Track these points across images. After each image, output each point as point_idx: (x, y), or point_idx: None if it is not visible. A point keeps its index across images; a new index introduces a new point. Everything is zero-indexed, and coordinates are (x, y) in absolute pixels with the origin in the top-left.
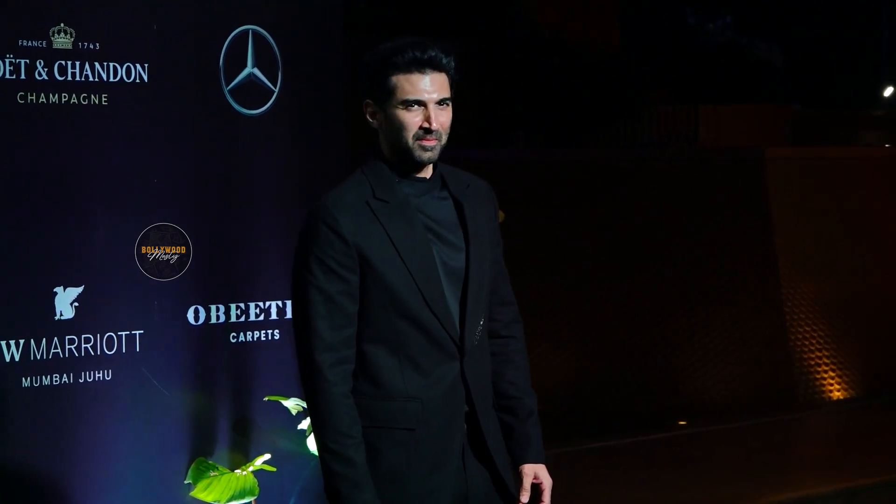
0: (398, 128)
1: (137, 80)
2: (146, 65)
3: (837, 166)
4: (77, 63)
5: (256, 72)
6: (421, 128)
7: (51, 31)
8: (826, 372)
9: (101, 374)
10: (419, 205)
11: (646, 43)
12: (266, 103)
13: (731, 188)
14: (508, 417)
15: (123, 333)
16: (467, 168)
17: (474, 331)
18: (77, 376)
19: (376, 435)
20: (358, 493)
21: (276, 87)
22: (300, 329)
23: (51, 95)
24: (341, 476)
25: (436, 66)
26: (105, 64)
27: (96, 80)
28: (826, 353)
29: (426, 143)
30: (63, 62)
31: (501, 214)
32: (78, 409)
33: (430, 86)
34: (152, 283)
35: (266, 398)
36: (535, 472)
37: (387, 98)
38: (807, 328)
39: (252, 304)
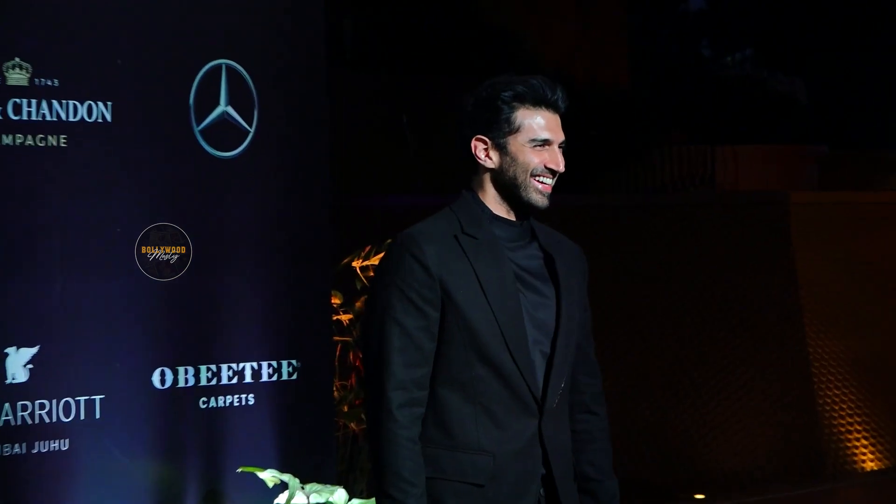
0: (520, 167)
1: (100, 120)
2: (109, 103)
3: (868, 212)
4: (33, 101)
5: (230, 110)
6: (547, 168)
7: (4, 65)
8: (858, 439)
9: (57, 444)
10: (508, 249)
11: (657, 78)
12: (240, 145)
13: (752, 236)
14: (589, 501)
15: (82, 399)
16: None
17: (557, 390)
18: (30, 446)
19: (441, 487)
20: None
21: (251, 128)
22: (372, 362)
23: (3, 136)
24: None
25: (558, 108)
26: (64, 102)
27: (54, 119)
28: (858, 419)
29: (544, 189)
30: (18, 100)
31: None
32: (32, 483)
33: (555, 126)
34: (115, 343)
35: (239, 469)
36: None
37: (509, 135)
38: (836, 391)
39: (224, 367)
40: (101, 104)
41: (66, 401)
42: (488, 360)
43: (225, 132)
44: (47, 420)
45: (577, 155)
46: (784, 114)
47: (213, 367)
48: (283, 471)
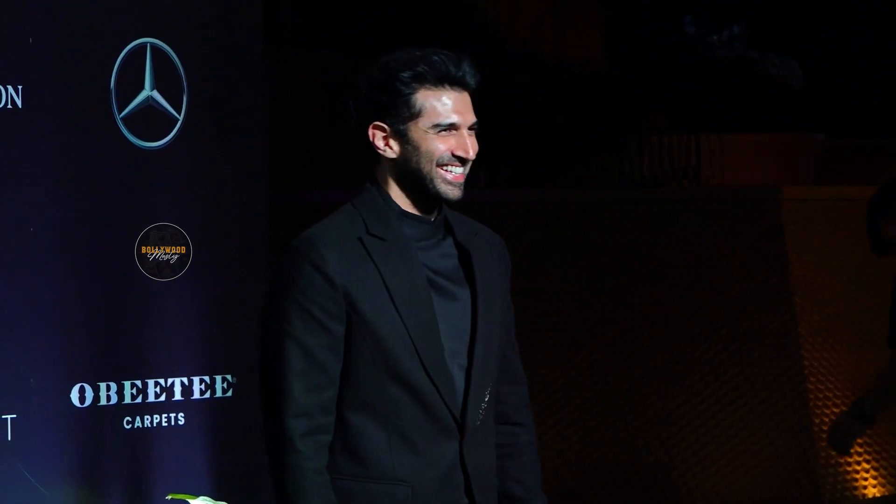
0: (423, 156)
1: (9, 106)
2: (19, 87)
3: None
4: None
5: (156, 95)
6: (454, 156)
7: None
8: (858, 463)
9: None
10: (419, 250)
11: (636, 58)
12: (168, 134)
13: (740, 236)
14: None
15: None
16: None
17: (479, 406)
18: None
19: None
20: None
21: (180, 115)
22: (269, 388)
23: None
24: None
25: (466, 85)
26: None
27: None
28: (858, 440)
29: (454, 179)
30: None
31: None
32: None
33: (462, 106)
34: (28, 355)
35: (169, 497)
36: None
37: (409, 120)
38: (834, 409)
39: (151, 382)
40: (10, 88)
41: None
42: (401, 378)
43: (150, 120)
44: None
45: (543, 143)
46: (777, 99)
47: (138, 382)
48: (217, 498)
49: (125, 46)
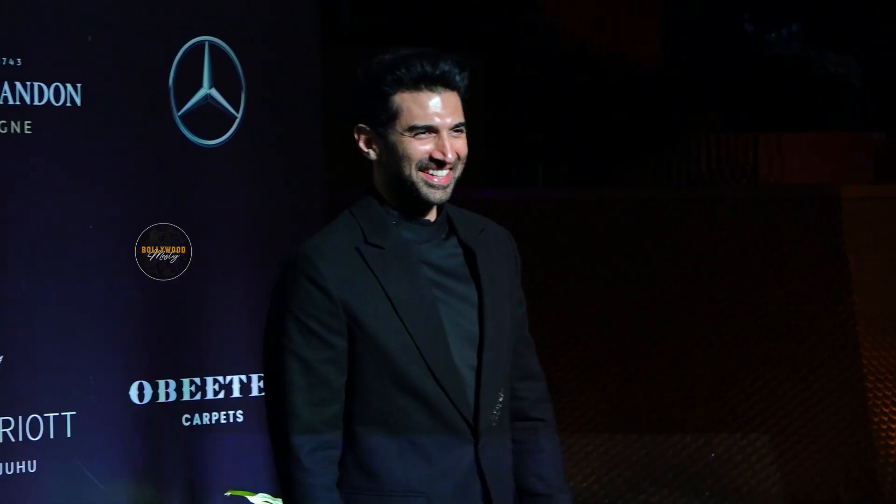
0: (402, 159)
1: (68, 104)
2: (79, 85)
3: None
4: None
5: (214, 93)
6: (432, 159)
7: None
8: None
9: (23, 466)
10: (421, 253)
11: (694, 56)
12: (226, 132)
13: (799, 235)
14: None
15: (51, 415)
16: (472, 211)
17: (492, 407)
18: None
19: None
20: None
21: (238, 113)
22: (273, 405)
23: None
24: None
25: (448, 84)
26: (28, 84)
27: (17, 103)
28: None
29: (438, 182)
30: None
31: None
32: None
33: (442, 108)
34: (88, 353)
35: (228, 493)
36: None
37: (388, 122)
38: (894, 408)
39: (210, 379)
40: (69, 86)
41: (34, 417)
42: (410, 388)
43: (209, 118)
44: (12, 439)
45: (600, 142)
46: (836, 97)
47: (197, 380)
48: (276, 495)
49: (184, 44)
